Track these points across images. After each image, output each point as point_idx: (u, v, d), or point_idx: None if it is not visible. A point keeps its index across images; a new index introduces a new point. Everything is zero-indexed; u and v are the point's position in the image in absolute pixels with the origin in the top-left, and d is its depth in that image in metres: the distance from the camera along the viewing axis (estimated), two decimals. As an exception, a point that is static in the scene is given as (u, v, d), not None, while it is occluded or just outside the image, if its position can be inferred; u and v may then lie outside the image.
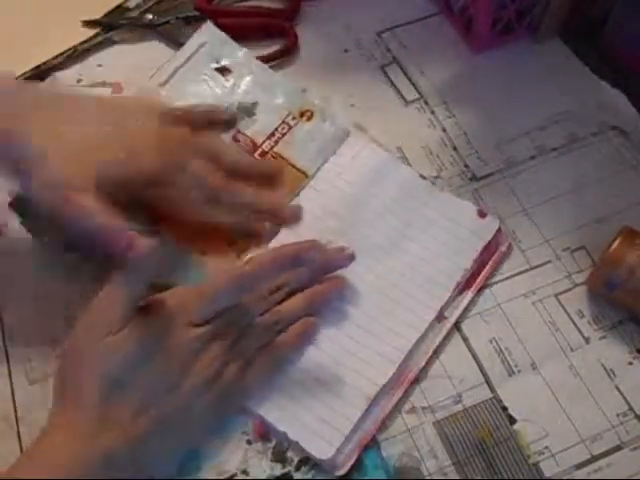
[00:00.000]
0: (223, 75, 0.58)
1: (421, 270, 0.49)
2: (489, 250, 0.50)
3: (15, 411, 0.46)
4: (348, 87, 0.59)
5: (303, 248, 0.46)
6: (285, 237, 0.50)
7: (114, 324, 0.40)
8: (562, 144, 0.56)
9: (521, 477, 0.43)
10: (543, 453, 0.44)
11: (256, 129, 0.56)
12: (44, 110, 0.46)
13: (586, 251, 0.51)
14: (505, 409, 0.45)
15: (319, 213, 0.52)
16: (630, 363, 0.47)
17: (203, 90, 0.58)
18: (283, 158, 0.54)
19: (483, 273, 0.50)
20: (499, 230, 0.51)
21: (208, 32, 0.59)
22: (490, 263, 0.50)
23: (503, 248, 0.51)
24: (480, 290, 0.49)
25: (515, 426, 0.45)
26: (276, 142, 0.55)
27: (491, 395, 0.46)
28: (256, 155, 0.55)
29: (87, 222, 0.42)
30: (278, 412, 0.44)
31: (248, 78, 0.58)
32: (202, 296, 0.43)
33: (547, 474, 0.43)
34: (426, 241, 0.51)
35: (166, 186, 0.47)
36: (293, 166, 0.54)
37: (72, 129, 0.45)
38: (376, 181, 0.53)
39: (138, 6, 0.65)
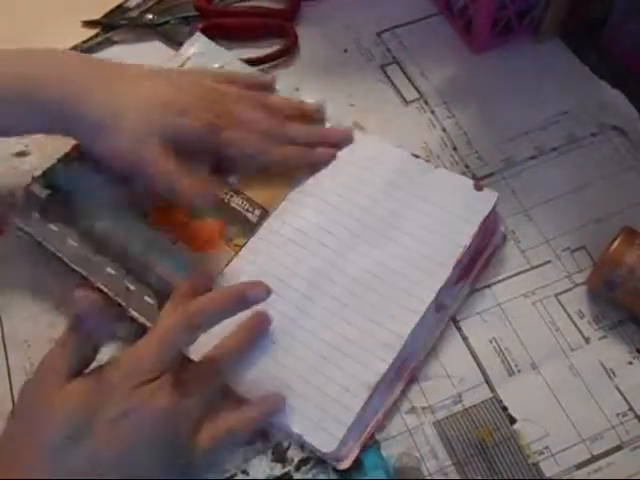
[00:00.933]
0: None
1: (419, 251, 0.48)
2: (486, 230, 0.49)
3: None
4: (348, 87, 0.59)
5: (248, 287, 0.45)
6: (277, 223, 0.51)
7: (148, 372, 0.40)
8: (562, 144, 0.56)
9: (521, 477, 0.43)
10: (543, 453, 0.44)
11: None
12: (108, 80, 0.48)
13: (586, 251, 0.51)
14: (505, 409, 0.45)
15: (312, 200, 0.52)
16: (630, 363, 0.47)
17: None
18: None
19: (480, 262, 0.49)
20: (495, 210, 0.50)
21: (197, 43, 0.59)
22: (486, 252, 0.50)
23: (497, 241, 0.51)
24: (477, 282, 0.49)
25: (515, 426, 0.45)
26: None
27: (491, 395, 0.46)
28: None
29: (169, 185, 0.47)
30: None
31: None
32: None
33: (547, 474, 0.43)
34: (423, 220, 0.50)
35: (226, 130, 0.50)
36: None
37: (136, 92, 0.48)
38: (370, 165, 0.53)
39: (138, 6, 0.65)
